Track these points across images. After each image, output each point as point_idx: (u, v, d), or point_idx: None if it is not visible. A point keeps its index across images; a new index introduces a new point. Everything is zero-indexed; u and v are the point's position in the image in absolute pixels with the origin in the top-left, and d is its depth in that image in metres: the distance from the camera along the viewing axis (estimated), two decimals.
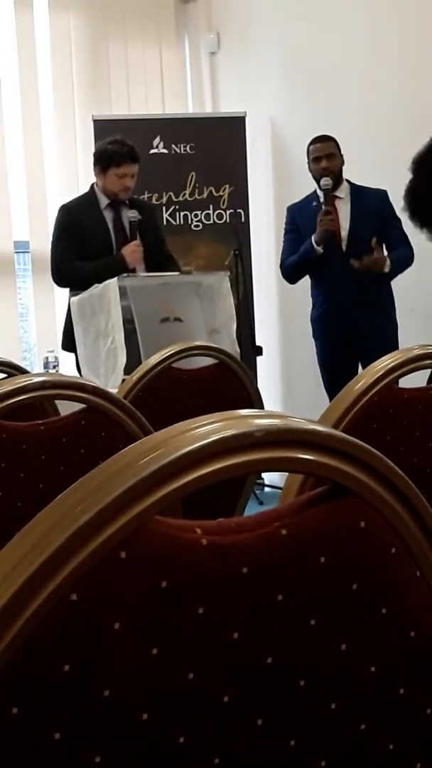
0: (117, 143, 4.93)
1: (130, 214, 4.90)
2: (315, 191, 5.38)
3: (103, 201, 4.96)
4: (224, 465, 0.72)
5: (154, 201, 6.43)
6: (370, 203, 5.26)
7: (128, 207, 4.96)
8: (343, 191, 5.31)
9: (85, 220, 4.93)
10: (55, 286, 5.31)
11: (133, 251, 4.80)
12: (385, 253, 5.20)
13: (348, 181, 5.35)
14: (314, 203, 5.33)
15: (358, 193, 5.32)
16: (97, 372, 4.34)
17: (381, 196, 5.26)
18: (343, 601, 0.79)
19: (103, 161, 4.91)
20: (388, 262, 5.11)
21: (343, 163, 5.30)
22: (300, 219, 5.39)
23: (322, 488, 0.81)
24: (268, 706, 0.75)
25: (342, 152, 5.31)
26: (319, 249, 5.17)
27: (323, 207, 5.20)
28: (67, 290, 4.92)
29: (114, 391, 2.40)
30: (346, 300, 5.16)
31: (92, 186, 5.05)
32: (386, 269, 5.11)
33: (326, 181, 5.19)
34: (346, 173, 5.34)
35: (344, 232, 5.21)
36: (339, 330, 5.22)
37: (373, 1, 6.06)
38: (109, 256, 4.81)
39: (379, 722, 0.81)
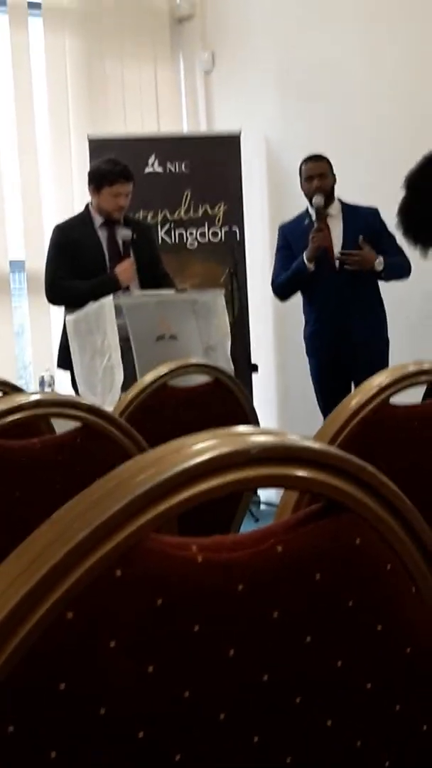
0: (110, 162, 4.95)
1: (123, 233, 4.92)
2: (306, 209, 5.40)
3: (98, 220, 4.98)
4: (220, 482, 0.73)
5: (149, 219, 6.44)
6: (361, 221, 5.28)
7: (123, 225, 4.98)
8: (334, 209, 5.33)
9: (79, 239, 4.94)
10: (50, 304, 5.32)
11: (125, 269, 4.82)
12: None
13: (339, 200, 5.37)
14: (306, 221, 5.35)
15: (350, 211, 5.34)
16: (95, 390, 4.34)
17: (372, 213, 5.28)
18: (338, 618, 0.79)
19: (96, 180, 4.93)
20: (380, 259, 5.11)
21: (335, 182, 5.33)
22: (292, 237, 5.40)
23: (318, 505, 0.81)
24: (265, 723, 0.75)
25: (336, 171, 5.33)
26: (311, 266, 5.18)
27: (315, 224, 5.21)
28: (62, 309, 4.93)
29: (112, 408, 2.40)
30: (338, 316, 5.18)
31: (87, 205, 5.07)
32: (378, 267, 5.11)
33: (318, 199, 5.21)
34: (341, 192, 5.36)
35: (336, 249, 5.22)
36: (332, 346, 5.23)
37: (369, 21, 6.08)
38: (103, 274, 4.83)
39: (376, 738, 0.81)
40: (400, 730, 0.83)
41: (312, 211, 5.31)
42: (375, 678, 0.80)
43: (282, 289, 5.45)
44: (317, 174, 5.28)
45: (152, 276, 4.96)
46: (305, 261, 5.19)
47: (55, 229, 5.10)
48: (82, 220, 5.04)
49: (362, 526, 0.80)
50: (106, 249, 4.95)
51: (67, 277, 4.88)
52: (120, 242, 4.93)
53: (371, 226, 5.22)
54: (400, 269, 5.17)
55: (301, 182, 5.36)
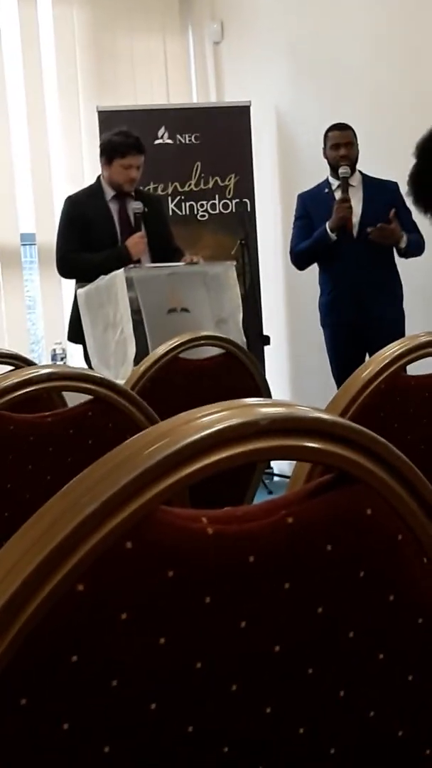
0: (122, 134, 4.93)
1: (134, 206, 4.90)
2: (327, 179, 5.39)
3: (109, 193, 4.96)
4: (229, 454, 0.72)
5: (159, 191, 6.43)
6: (381, 193, 5.28)
7: (134, 199, 4.96)
8: (355, 180, 5.32)
9: (90, 211, 4.93)
10: (61, 277, 5.31)
11: (136, 243, 4.81)
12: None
13: (360, 171, 5.36)
14: (326, 190, 5.35)
15: (370, 183, 5.34)
16: (107, 363, 4.34)
17: (392, 187, 5.26)
18: (350, 589, 0.78)
19: (108, 152, 4.91)
20: (405, 237, 5.10)
21: (358, 153, 5.31)
22: (311, 206, 5.40)
23: (329, 476, 0.81)
24: (277, 695, 0.75)
25: None
26: (333, 236, 5.18)
27: (339, 195, 5.21)
28: (73, 282, 4.92)
29: (125, 381, 2.40)
30: (354, 286, 5.18)
31: (98, 178, 5.06)
32: (402, 244, 5.11)
33: (345, 170, 5.21)
34: None
35: (356, 219, 5.22)
36: (347, 316, 5.23)
37: None
38: (114, 247, 4.82)
39: (388, 709, 0.81)
40: (413, 701, 0.83)
41: (332, 180, 5.30)
42: (387, 648, 0.80)
43: (301, 258, 5.44)
44: (344, 142, 5.28)
45: (163, 250, 4.95)
46: (328, 230, 5.18)
47: (66, 200, 5.09)
48: (93, 192, 5.02)
49: (373, 497, 0.80)
50: (117, 222, 4.94)
51: (78, 249, 4.87)
52: (131, 215, 4.91)
53: (390, 199, 5.21)
54: (417, 246, 5.18)
55: (324, 149, 5.36)
